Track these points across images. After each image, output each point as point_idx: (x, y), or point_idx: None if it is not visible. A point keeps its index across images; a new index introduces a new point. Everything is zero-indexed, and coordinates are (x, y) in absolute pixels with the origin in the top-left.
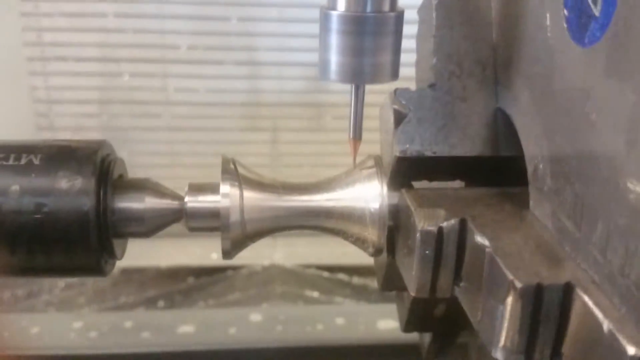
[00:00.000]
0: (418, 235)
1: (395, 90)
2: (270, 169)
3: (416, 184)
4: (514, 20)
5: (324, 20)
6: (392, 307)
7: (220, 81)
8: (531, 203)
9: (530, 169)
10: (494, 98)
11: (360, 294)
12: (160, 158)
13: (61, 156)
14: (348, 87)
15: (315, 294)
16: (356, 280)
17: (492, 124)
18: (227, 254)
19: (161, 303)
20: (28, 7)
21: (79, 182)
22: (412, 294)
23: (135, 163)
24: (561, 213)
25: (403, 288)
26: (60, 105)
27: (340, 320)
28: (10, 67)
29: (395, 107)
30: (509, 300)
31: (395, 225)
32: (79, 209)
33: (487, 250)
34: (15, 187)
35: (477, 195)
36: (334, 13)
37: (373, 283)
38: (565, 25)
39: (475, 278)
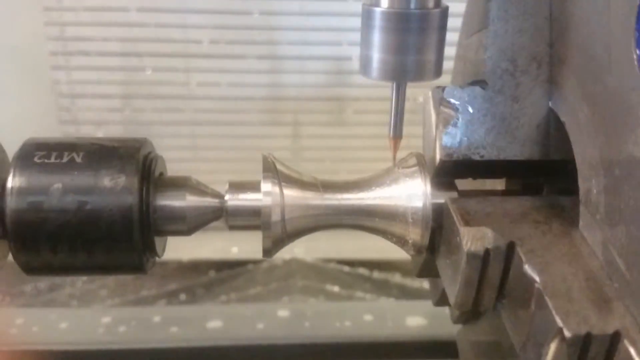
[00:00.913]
0: (464, 257)
1: (443, 89)
2: (291, 163)
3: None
4: (572, 17)
5: (366, 16)
6: (420, 304)
7: (242, 75)
8: (581, 223)
9: (582, 188)
10: (546, 98)
11: (381, 288)
12: (183, 152)
13: (104, 154)
14: (370, 81)
15: (336, 289)
16: (377, 274)
17: (544, 126)
18: (267, 252)
19: (183, 296)
20: (51, 1)
21: (122, 180)
22: (454, 308)
23: None
24: (613, 247)
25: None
26: (83, 100)
27: (368, 317)
28: (33, 61)
29: (442, 107)
30: (555, 344)
31: (437, 227)
32: (123, 207)
33: (536, 286)
34: (57, 186)
35: (524, 209)
36: (377, 9)
37: (394, 278)
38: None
39: (519, 301)
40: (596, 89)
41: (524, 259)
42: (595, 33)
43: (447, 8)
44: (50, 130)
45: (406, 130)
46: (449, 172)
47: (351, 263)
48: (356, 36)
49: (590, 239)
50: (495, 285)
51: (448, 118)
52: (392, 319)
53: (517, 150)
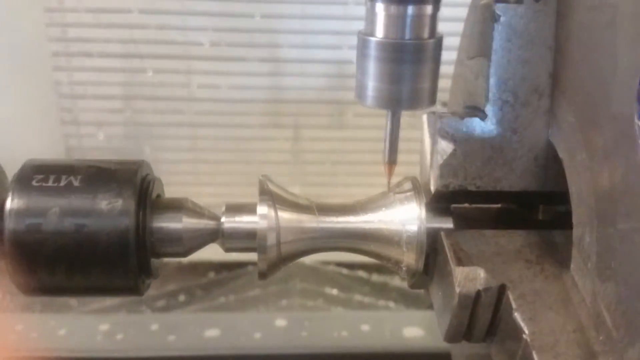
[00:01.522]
0: (456, 297)
1: (440, 117)
2: (292, 165)
3: None
4: (578, 50)
5: (362, 45)
6: (418, 314)
7: (243, 78)
8: (572, 265)
9: (576, 231)
10: (546, 129)
11: (380, 291)
12: (183, 154)
13: (101, 177)
14: None
15: (335, 291)
16: (375, 277)
17: (542, 157)
18: (263, 275)
19: (182, 297)
20: (53, 2)
21: (119, 204)
22: (444, 339)
23: (158, 159)
24: (601, 300)
25: None
26: (84, 101)
27: (365, 327)
28: (34, 62)
29: (440, 137)
30: None
31: (431, 251)
32: (119, 231)
33: (524, 337)
34: (55, 210)
35: (517, 246)
36: (373, 39)
37: (392, 281)
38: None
39: (508, 343)
40: (595, 121)
41: (514, 305)
42: (599, 62)
43: (441, 38)
44: (51, 131)
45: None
46: (445, 199)
47: (350, 266)
48: (356, 40)
49: (580, 284)
50: (485, 323)
51: (446, 149)
52: (389, 329)
53: (513, 181)
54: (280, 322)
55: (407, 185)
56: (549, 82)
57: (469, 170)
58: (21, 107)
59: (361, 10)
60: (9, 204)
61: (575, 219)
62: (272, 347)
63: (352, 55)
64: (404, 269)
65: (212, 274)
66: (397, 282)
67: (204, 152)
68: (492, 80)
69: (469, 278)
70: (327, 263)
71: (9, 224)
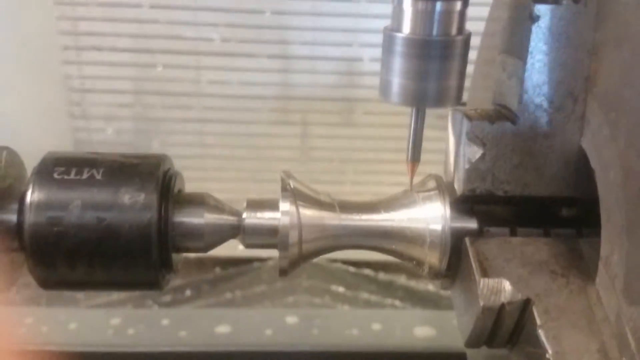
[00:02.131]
0: (480, 308)
1: (470, 119)
2: (300, 162)
3: None
4: (617, 54)
5: (388, 41)
6: (429, 314)
7: (253, 74)
8: (598, 280)
9: (604, 247)
10: (578, 134)
11: (386, 289)
12: (192, 149)
13: (123, 171)
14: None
15: (341, 289)
16: (382, 276)
17: (573, 162)
18: (283, 272)
19: (188, 292)
20: None
21: (141, 198)
22: (464, 345)
23: (167, 153)
24: (626, 323)
25: None
26: (94, 95)
27: (376, 326)
28: (44, 55)
29: (469, 140)
30: None
31: (455, 252)
32: (142, 225)
33: (547, 356)
34: (77, 202)
35: (543, 256)
36: (399, 35)
37: (399, 279)
38: None
39: (530, 352)
40: (632, 135)
41: (538, 321)
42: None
43: (469, 35)
44: (60, 124)
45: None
46: (470, 201)
47: (357, 264)
48: (367, 37)
49: (605, 301)
50: (507, 332)
51: (475, 152)
52: (400, 328)
53: (542, 187)
54: (291, 319)
55: (431, 183)
56: (584, 87)
57: (497, 175)
58: (30, 100)
59: (372, 8)
60: (29, 196)
61: (604, 235)
62: (282, 344)
63: (363, 52)
64: (426, 269)
65: (218, 270)
66: (404, 280)
67: (212, 148)
68: (526, 84)
69: (494, 291)
70: (334, 261)
71: (30, 217)
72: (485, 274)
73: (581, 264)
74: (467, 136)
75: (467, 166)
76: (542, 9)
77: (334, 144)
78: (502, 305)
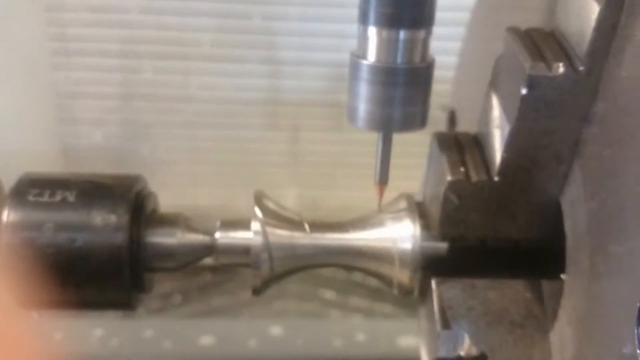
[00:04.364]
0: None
1: (450, 176)
2: (290, 168)
3: None
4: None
5: (354, 68)
6: (413, 324)
7: (242, 79)
8: (552, 334)
9: (564, 301)
10: (558, 191)
11: (376, 294)
12: (181, 154)
13: (96, 193)
14: None
15: (331, 294)
16: (372, 280)
17: (550, 213)
18: (257, 291)
19: (177, 297)
20: (52, 1)
21: (113, 220)
22: None
23: (156, 159)
24: None
25: None
26: (83, 100)
27: (360, 336)
28: (33, 60)
29: (446, 193)
30: None
31: (425, 272)
32: (113, 246)
33: None
34: (49, 225)
35: (506, 303)
36: (365, 63)
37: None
38: None
39: None
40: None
41: None
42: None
43: (433, 61)
44: (50, 129)
45: None
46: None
47: (347, 268)
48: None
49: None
50: None
51: (450, 204)
52: (384, 338)
53: (514, 231)
54: (276, 330)
55: (402, 203)
56: (572, 150)
57: (470, 223)
58: (19, 105)
59: None
60: (5, 217)
61: (566, 284)
62: (266, 355)
63: None
64: (396, 287)
65: (207, 275)
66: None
67: (202, 153)
68: (510, 147)
69: (453, 343)
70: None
71: (5, 238)
72: (446, 324)
73: (540, 313)
74: (444, 191)
75: (440, 213)
76: (537, 79)
77: (325, 149)
78: (459, 357)
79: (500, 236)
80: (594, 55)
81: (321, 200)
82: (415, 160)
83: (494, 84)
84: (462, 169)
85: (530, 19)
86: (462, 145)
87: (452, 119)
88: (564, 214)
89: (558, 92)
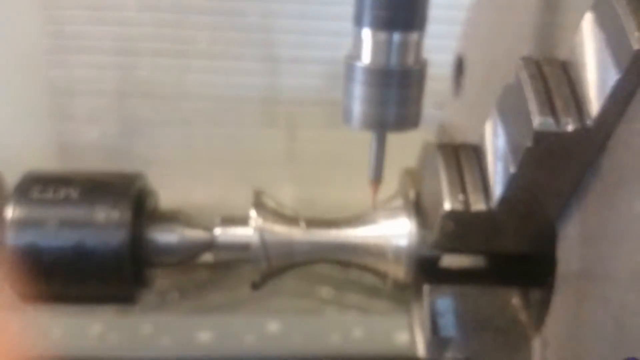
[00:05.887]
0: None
1: (448, 207)
2: (287, 166)
3: None
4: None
5: (348, 70)
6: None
7: (240, 77)
8: (534, 341)
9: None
10: (556, 215)
11: (373, 292)
12: (178, 152)
13: (98, 190)
14: None
15: (327, 291)
16: (369, 277)
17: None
18: (256, 286)
19: (174, 294)
20: None
21: (115, 216)
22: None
23: (153, 156)
24: None
25: None
26: (80, 97)
27: (357, 333)
28: (30, 58)
29: (442, 220)
30: None
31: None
32: (115, 242)
33: None
34: (53, 221)
35: (494, 309)
36: (359, 65)
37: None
38: None
39: None
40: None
41: None
42: None
43: (426, 63)
44: (46, 127)
45: None
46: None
47: (343, 264)
48: None
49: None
50: None
51: (446, 227)
52: (381, 335)
53: (505, 244)
54: (273, 327)
55: (399, 199)
56: (574, 186)
57: (464, 241)
58: (15, 103)
59: None
60: (9, 214)
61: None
62: (264, 351)
63: None
64: (391, 282)
65: (205, 271)
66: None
67: (199, 150)
68: (508, 190)
69: (440, 347)
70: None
71: (10, 234)
72: (435, 330)
73: (526, 320)
74: (442, 217)
75: (435, 233)
76: (544, 135)
77: (321, 147)
78: None
79: (491, 248)
80: (606, 116)
81: (318, 198)
82: (411, 161)
83: (500, 109)
84: (461, 197)
85: None
86: (461, 165)
87: (459, 66)
88: (557, 236)
89: (564, 145)
